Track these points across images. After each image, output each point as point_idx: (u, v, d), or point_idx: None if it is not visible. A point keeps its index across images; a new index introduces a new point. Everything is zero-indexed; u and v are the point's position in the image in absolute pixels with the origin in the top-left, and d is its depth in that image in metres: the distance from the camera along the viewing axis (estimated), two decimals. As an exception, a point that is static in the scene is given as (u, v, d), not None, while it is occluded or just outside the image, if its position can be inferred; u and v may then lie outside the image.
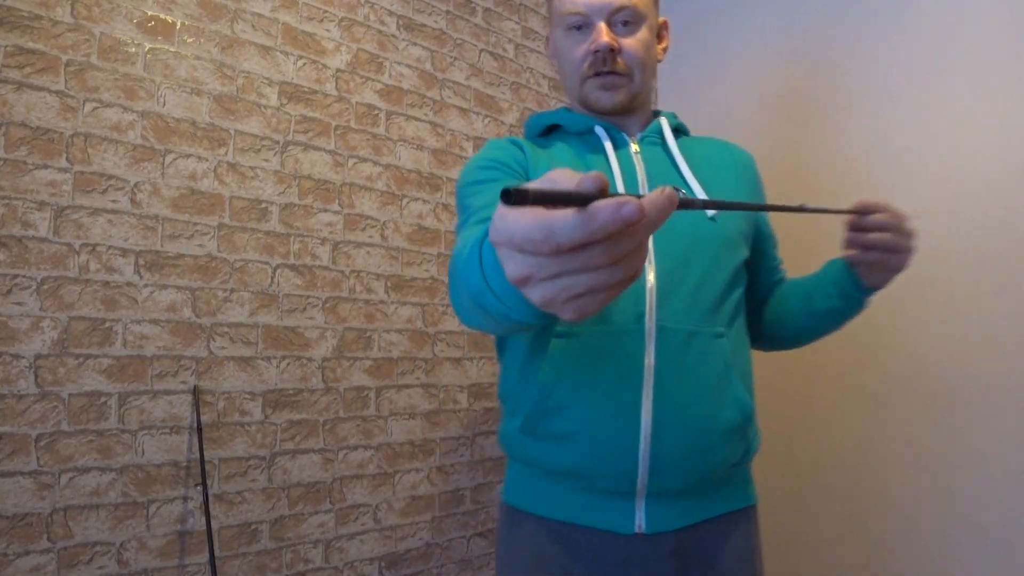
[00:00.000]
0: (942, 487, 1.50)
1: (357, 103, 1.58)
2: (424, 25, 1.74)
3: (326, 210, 1.51)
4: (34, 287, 1.12)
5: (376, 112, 1.62)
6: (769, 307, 0.99)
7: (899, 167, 1.64)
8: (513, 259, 0.38)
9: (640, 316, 0.79)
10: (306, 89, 1.49)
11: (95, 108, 1.20)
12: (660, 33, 0.95)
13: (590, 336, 0.79)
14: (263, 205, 1.41)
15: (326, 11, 1.54)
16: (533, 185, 0.35)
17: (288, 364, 1.42)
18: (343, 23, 1.57)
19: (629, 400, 0.76)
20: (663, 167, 0.90)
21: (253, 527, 1.34)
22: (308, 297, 1.46)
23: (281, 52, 1.46)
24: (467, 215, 0.81)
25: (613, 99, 0.90)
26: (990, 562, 1.42)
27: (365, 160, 1.58)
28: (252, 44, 1.41)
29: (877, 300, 1.64)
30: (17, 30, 1.12)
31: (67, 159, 1.17)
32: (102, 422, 1.18)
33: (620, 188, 0.87)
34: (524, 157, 0.89)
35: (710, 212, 0.86)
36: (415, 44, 1.71)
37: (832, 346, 1.72)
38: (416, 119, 1.70)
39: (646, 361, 0.78)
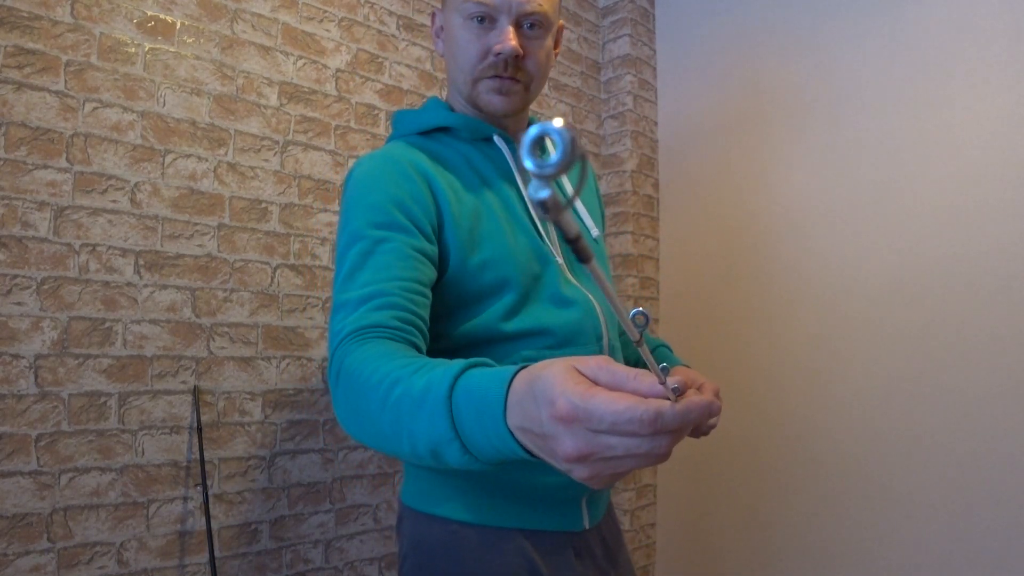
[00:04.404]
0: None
1: (357, 103, 1.58)
2: (424, 25, 1.74)
3: (326, 210, 1.51)
4: (34, 287, 1.12)
5: (376, 112, 1.62)
6: None
7: (899, 167, 1.64)
8: (579, 437, 0.40)
9: (599, 337, 0.86)
10: (306, 89, 1.49)
11: (95, 108, 1.20)
12: (557, 37, 0.92)
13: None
14: (263, 205, 1.41)
15: (326, 11, 1.54)
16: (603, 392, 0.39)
17: (288, 364, 1.42)
18: (343, 23, 1.57)
19: None
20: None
21: (253, 527, 1.34)
22: (308, 297, 1.46)
23: (281, 52, 1.46)
24: (351, 286, 0.76)
25: (506, 104, 0.86)
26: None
27: (365, 160, 1.58)
28: (252, 44, 1.41)
29: (880, 301, 1.64)
30: (17, 30, 1.12)
31: (67, 159, 1.17)
32: (102, 422, 1.18)
33: (525, 195, 0.91)
34: (431, 193, 0.81)
35: (594, 233, 0.96)
36: (415, 44, 1.71)
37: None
38: (416, 119, 1.69)
39: None
